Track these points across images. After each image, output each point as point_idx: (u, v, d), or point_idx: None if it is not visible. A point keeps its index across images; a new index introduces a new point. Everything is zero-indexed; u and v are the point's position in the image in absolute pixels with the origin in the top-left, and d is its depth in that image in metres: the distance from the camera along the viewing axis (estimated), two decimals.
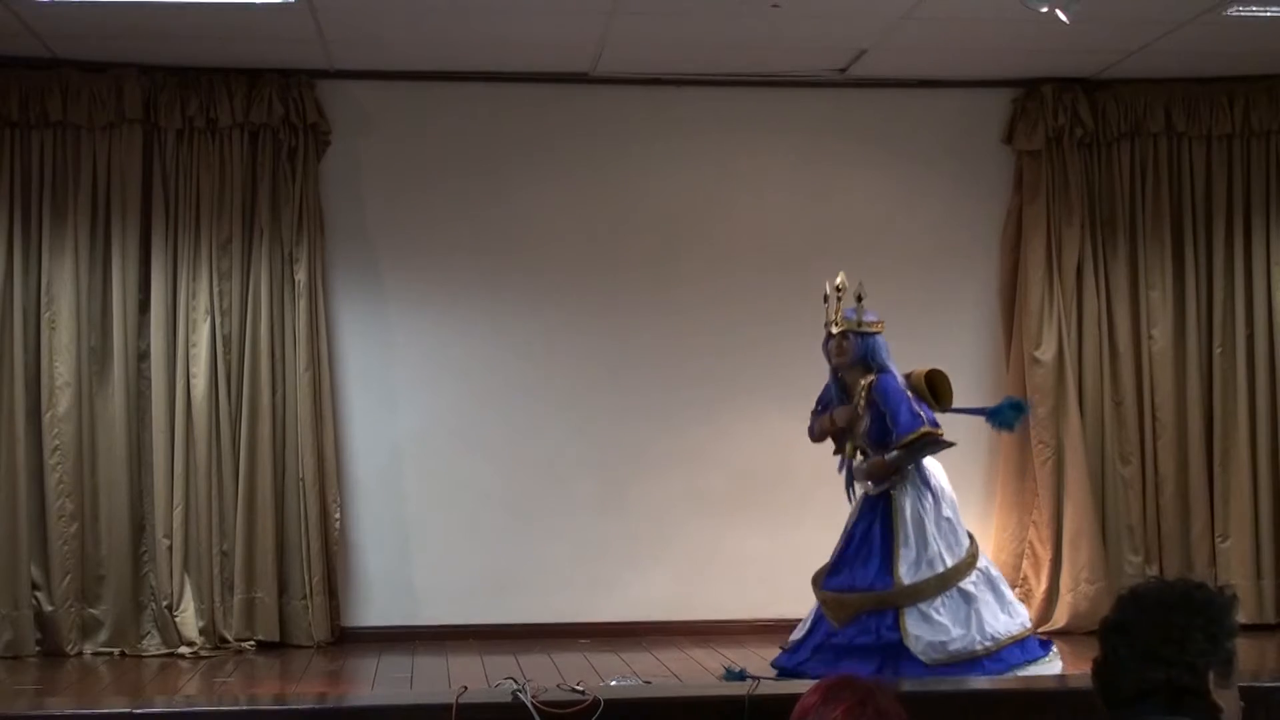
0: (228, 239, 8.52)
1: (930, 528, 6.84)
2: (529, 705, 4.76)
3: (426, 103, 8.88)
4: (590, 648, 8.14)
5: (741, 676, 6.52)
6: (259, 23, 7.78)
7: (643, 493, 8.93)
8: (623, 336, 8.97)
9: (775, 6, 7.43)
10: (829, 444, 7.20)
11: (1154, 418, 8.92)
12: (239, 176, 8.53)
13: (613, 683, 6.45)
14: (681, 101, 9.00)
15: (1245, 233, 8.97)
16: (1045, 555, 8.85)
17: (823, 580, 7.01)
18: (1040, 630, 7.97)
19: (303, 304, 8.54)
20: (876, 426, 6.87)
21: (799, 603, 7.24)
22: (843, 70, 8.79)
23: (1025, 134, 8.98)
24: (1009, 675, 6.62)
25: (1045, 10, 6.44)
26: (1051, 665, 6.86)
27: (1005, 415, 7.34)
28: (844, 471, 7.11)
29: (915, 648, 6.64)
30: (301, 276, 8.54)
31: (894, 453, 6.82)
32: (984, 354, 9.09)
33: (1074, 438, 8.82)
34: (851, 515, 7.05)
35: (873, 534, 6.86)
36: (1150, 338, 8.96)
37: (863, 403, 6.89)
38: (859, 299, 6.90)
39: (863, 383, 6.91)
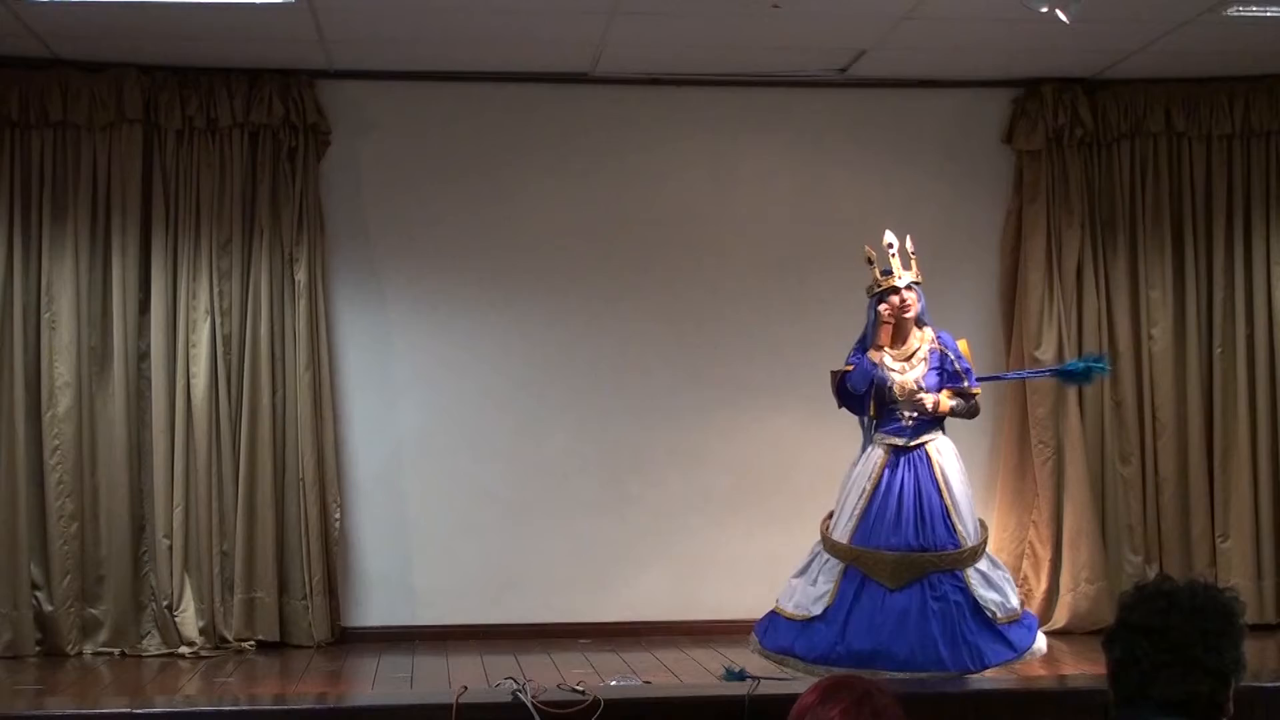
0: (228, 239, 8.52)
1: (967, 490, 6.80)
2: (529, 705, 4.77)
3: (426, 103, 8.88)
4: (590, 648, 8.14)
5: (741, 676, 6.50)
6: (259, 23, 7.78)
7: (643, 493, 8.93)
8: (622, 336, 8.96)
9: (775, 7, 7.43)
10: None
11: (1154, 418, 8.92)
12: (239, 177, 8.53)
13: (613, 683, 6.46)
14: (681, 101, 9.00)
15: (1245, 233, 8.97)
16: (1045, 555, 8.85)
17: (862, 539, 6.71)
18: (1040, 630, 7.95)
19: (303, 304, 8.54)
20: (934, 376, 6.82)
21: None
22: (842, 70, 8.78)
23: (1025, 134, 8.98)
24: (1031, 641, 6.65)
25: (1045, 10, 6.44)
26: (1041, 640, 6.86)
27: (1077, 376, 7.45)
28: (868, 419, 6.91)
29: (987, 605, 6.60)
30: (301, 276, 8.54)
31: (963, 402, 6.81)
32: (984, 354, 9.05)
33: (1074, 438, 8.82)
34: (869, 472, 6.77)
35: (925, 491, 6.70)
36: (1150, 338, 8.96)
37: (924, 354, 6.85)
38: (912, 254, 6.90)
39: (927, 334, 6.91)
